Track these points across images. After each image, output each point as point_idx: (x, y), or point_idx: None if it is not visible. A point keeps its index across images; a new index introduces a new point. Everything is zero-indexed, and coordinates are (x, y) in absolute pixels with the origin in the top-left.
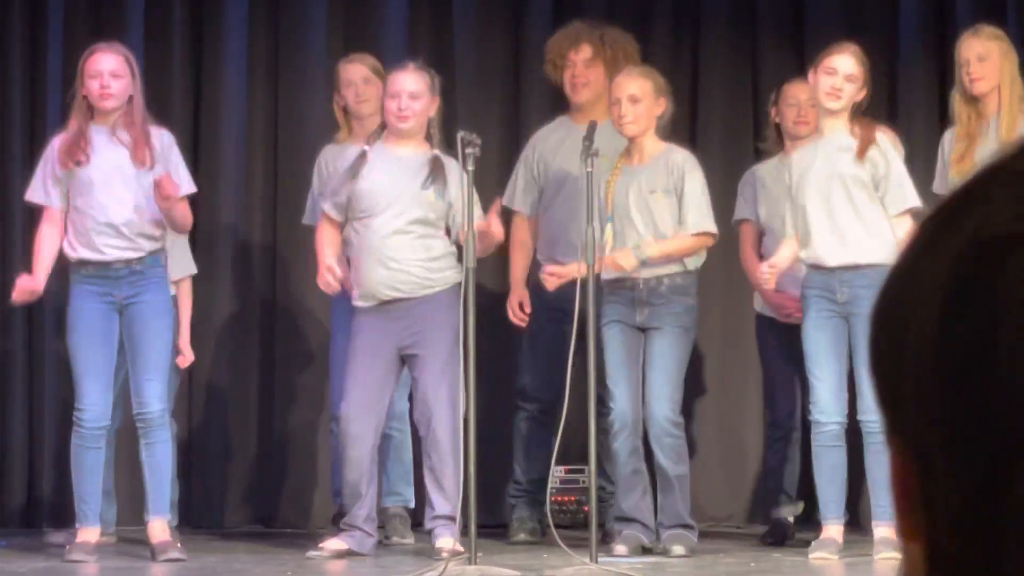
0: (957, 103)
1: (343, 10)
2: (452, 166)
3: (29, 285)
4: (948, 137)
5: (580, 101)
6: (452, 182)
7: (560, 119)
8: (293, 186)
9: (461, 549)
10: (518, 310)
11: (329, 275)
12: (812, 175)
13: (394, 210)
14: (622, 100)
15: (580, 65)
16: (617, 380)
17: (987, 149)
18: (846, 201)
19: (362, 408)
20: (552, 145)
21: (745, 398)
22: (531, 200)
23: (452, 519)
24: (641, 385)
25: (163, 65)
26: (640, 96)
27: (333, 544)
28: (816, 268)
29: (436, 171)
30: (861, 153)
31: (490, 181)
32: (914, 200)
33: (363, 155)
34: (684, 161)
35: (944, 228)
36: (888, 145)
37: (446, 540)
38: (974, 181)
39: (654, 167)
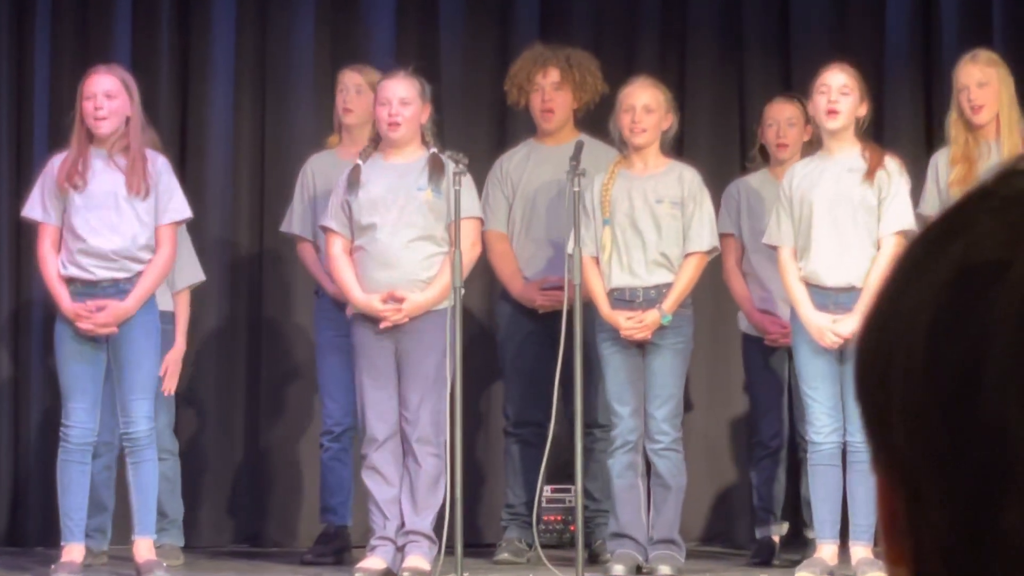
0: (954, 125)
1: (331, 22)
2: (449, 165)
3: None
4: (942, 159)
5: (550, 126)
6: (449, 179)
7: (526, 142)
8: (280, 200)
9: (427, 568)
10: (541, 296)
11: (387, 303)
12: (819, 192)
13: (397, 218)
14: (636, 108)
15: (549, 89)
16: (622, 399)
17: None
18: (851, 222)
19: (386, 428)
20: (518, 164)
21: (730, 417)
22: (505, 216)
23: (426, 537)
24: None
25: (150, 78)
26: (654, 107)
27: (371, 563)
28: (813, 286)
29: (435, 168)
30: (870, 175)
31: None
32: (909, 223)
33: (356, 168)
34: (695, 177)
35: (930, 254)
36: (895, 169)
37: (416, 559)
38: (959, 206)
39: (663, 178)
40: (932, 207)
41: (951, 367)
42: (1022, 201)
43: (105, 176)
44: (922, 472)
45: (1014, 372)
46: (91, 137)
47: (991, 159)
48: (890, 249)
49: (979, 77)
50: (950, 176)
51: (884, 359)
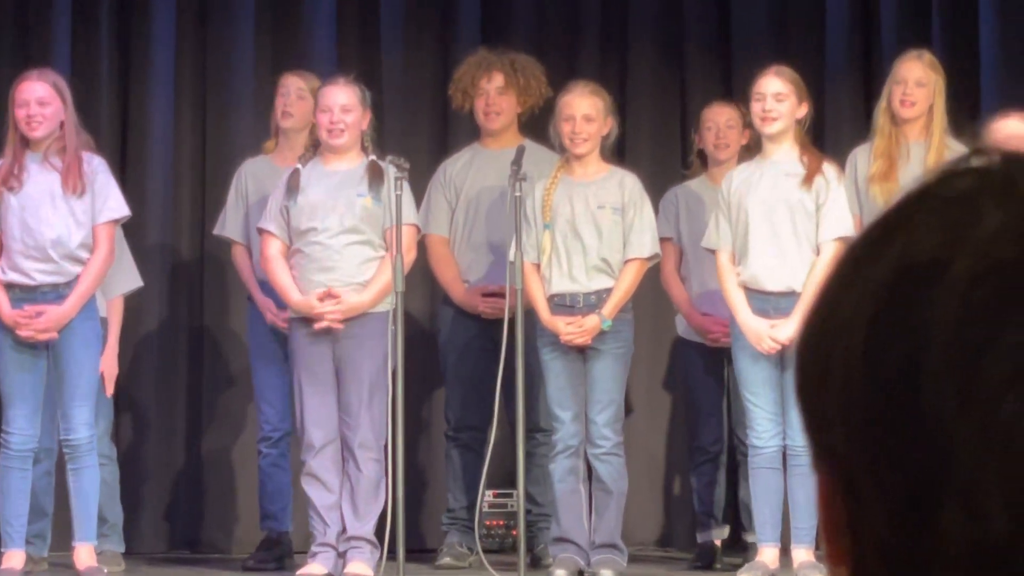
0: (882, 116)
1: (271, 28)
2: (390, 170)
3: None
4: (861, 155)
5: (495, 128)
6: (389, 185)
7: (469, 147)
8: (221, 206)
9: (370, 573)
10: (483, 303)
11: (325, 302)
12: (757, 196)
13: (336, 222)
14: (576, 118)
15: (493, 93)
16: (562, 404)
17: (910, 173)
18: (790, 227)
19: (325, 434)
20: (461, 169)
21: (671, 421)
22: (447, 221)
23: (368, 542)
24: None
25: (90, 83)
26: (594, 116)
27: (312, 569)
28: (752, 291)
29: (374, 176)
30: (808, 181)
31: (419, 201)
32: (848, 229)
33: (295, 173)
34: (635, 183)
35: (869, 254)
36: (834, 175)
37: (357, 564)
38: (898, 207)
39: (604, 184)
40: (849, 204)
41: (890, 367)
42: (960, 202)
43: (40, 177)
44: (861, 472)
45: (952, 373)
46: (26, 142)
47: (910, 162)
48: (829, 255)
49: (920, 76)
50: (871, 170)
51: (824, 359)
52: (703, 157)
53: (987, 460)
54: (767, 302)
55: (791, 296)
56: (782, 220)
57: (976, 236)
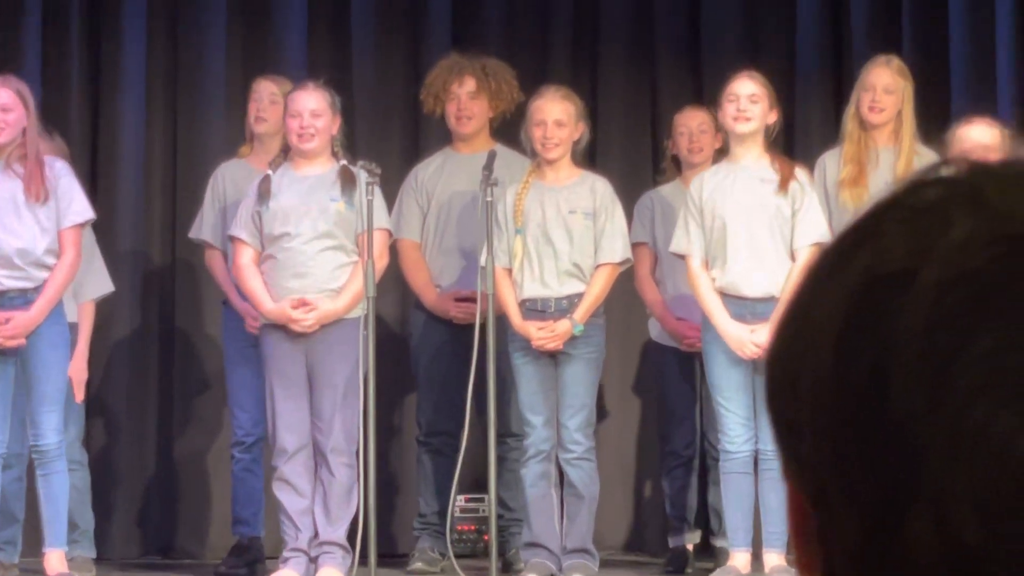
0: (850, 121)
1: (242, 32)
2: (362, 176)
3: None
4: (830, 160)
5: (467, 132)
6: (361, 190)
7: (441, 151)
8: (192, 210)
9: None
10: (455, 308)
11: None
12: (734, 202)
13: (308, 228)
14: (547, 123)
15: (464, 98)
16: (534, 409)
17: (879, 178)
18: (768, 233)
19: (297, 439)
20: (433, 173)
21: (643, 426)
22: (419, 226)
23: (340, 547)
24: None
25: (61, 88)
26: (565, 121)
27: (284, 575)
28: (729, 296)
29: (346, 181)
30: (784, 186)
31: (391, 206)
32: (824, 234)
33: (266, 179)
34: (607, 188)
35: (840, 263)
36: (806, 181)
37: (329, 569)
38: (867, 216)
39: (576, 189)
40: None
41: (860, 376)
42: (929, 211)
43: (3, 184)
44: (831, 480)
45: (921, 381)
46: None
47: (879, 167)
48: (804, 261)
49: (888, 82)
50: (840, 175)
51: (794, 368)
52: (677, 162)
53: (957, 468)
54: (744, 307)
55: (769, 301)
56: (760, 226)
57: (945, 245)
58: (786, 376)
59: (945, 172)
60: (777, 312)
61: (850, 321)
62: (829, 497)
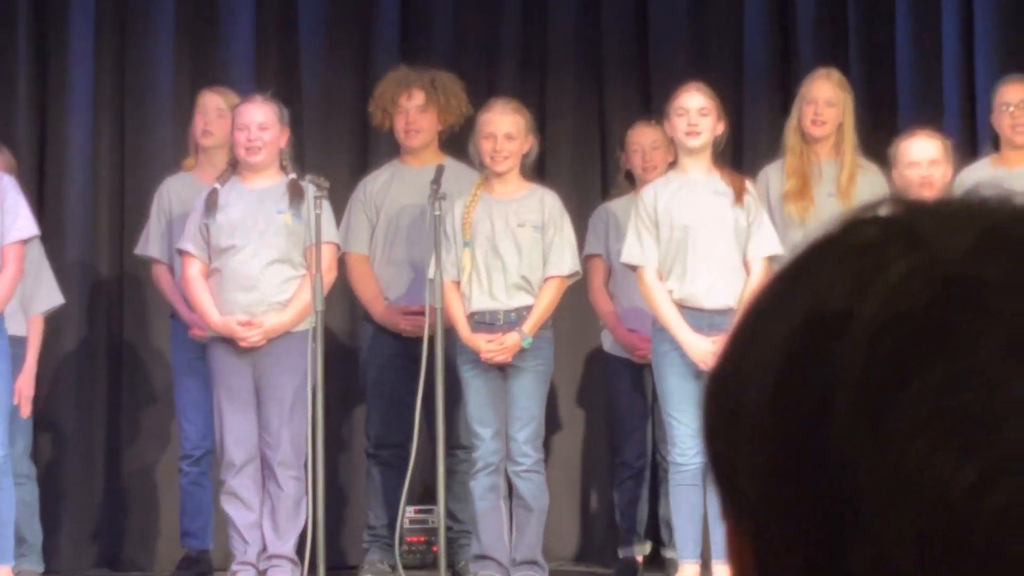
0: (792, 135)
1: (190, 44)
2: (310, 190)
3: None
4: (773, 173)
5: (415, 146)
6: (309, 204)
7: (390, 164)
8: (140, 224)
9: None
10: (404, 320)
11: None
12: (692, 215)
13: (256, 241)
14: (497, 136)
15: (413, 111)
16: (483, 421)
17: (823, 191)
18: (725, 245)
19: (245, 452)
20: (382, 186)
21: (592, 437)
22: (368, 238)
23: (288, 560)
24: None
25: (7, 100)
26: (515, 134)
27: None
28: (687, 308)
29: (294, 194)
30: (739, 199)
31: (339, 218)
32: (776, 248)
33: (214, 192)
34: (555, 201)
35: (778, 303)
36: (756, 193)
37: None
38: (804, 256)
39: (524, 202)
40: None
41: (798, 417)
42: (866, 250)
43: None
44: (770, 521)
45: (859, 422)
46: None
47: (823, 180)
48: (759, 273)
49: (829, 95)
50: (784, 188)
51: (733, 409)
52: (630, 176)
53: (895, 508)
54: (703, 319)
55: (726, 313)
56: (718, 238)
57: (882, 285)
58: (725, 418)
59: (882, 210)
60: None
61: (789, 363)
62: (768, 538)
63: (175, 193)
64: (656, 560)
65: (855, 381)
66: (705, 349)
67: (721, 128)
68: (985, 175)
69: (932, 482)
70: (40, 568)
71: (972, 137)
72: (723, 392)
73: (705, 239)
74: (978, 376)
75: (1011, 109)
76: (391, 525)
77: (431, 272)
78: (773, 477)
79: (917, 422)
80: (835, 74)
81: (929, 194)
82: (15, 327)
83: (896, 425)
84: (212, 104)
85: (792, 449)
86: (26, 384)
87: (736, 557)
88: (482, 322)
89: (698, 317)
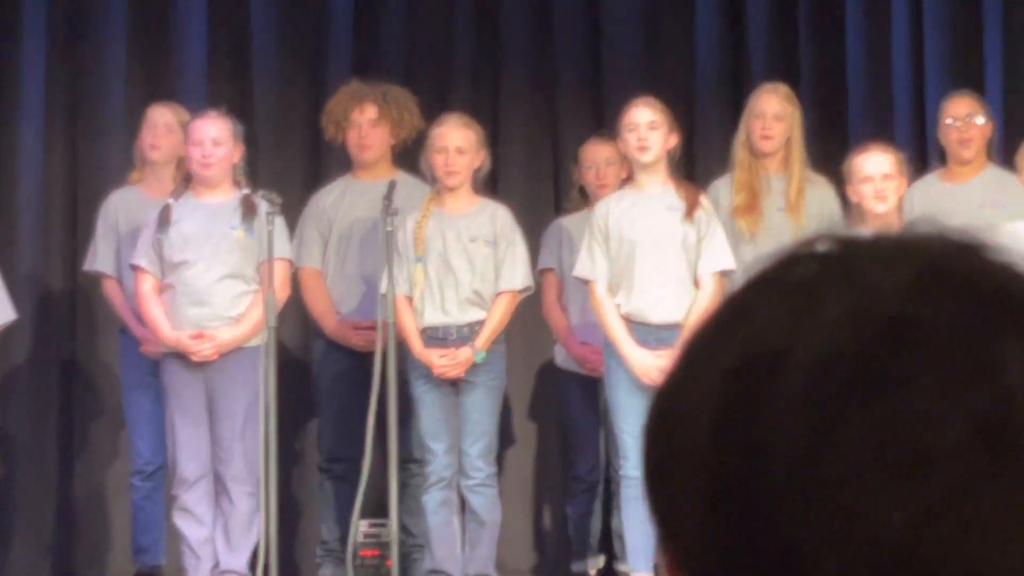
0: (740, 149)
1: (142, 58)
2: (263, 206)
3: None
4: (723, 188)
5: (368, 160)
6: (262, 219)
7: (342, 178)
8: (92, 237)
9: None
10: (356, 335)
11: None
12: (642, 229)
13: (208, 256)
14: (449, 150)
15: (366, 125)
16: (436, 436)
17: (772, 205)
18: (675, 260)
19: (197, 467)
20: (334, 201)
21: (545, 451)
22: (320, 253)
23: (241, 575)
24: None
25: None
26: (467, 148)
27: None
28: (635, 323)
29: (247, 209)
30: (690, 213)
31: (292, 232)
32: (729, 263)
33: (167, 207)
34: (507, 216)
35: (715, 340)
36: (710, 208)
37: None
38: (743, 293)
39: (476, 217)
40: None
41: (735, 457)
42: (801, 289)
43: None
44: (705, 560)
45: (795, 462)
46: None
47: (772, 194)
48: (709, 288)
49: (777, 110)
50: (734, 202)
51: (671, 448)
52: (584, 192)
53: (833, 551)
54: (649, 333)
55: (673, 328)
56: (668, 253)
57: (817, 324)
58: (663, 456)
59: (818, 247)
60: (679, 339)
61: (726, 401)
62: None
63: (122, 207)
64: (610, 573)
65: (790, 422)
66: (648, 363)
67: (674, 141)
68: (933, 190)
69: (868, 525)
70: None
71: (923, 152)
72: (662, 431)
73: (653, 254)
74: (913, 417)
75: (957, 124)
76: (344, 539)
77: (383, 287)
78: (711, 518)
79: (852, 464)
80: (783, 88)
81: (884, 207)
82: None
83: (831, 468)
84: (161, 119)
85: (730, 490)
86: None
87: None
88: (435, 337)
89: (645, 331)
